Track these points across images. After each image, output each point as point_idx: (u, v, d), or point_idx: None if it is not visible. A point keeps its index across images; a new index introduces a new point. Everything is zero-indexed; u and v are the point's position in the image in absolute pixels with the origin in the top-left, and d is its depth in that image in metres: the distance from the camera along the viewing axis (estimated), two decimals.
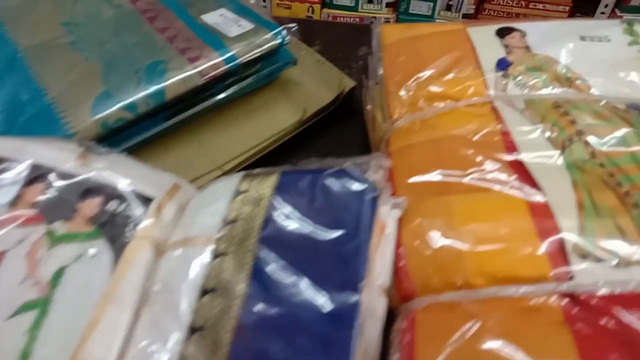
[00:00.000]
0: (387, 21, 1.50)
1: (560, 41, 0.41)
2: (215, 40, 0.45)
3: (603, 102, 0.36)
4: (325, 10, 1.52)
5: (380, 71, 0.42)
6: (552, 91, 0.38)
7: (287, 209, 0.30)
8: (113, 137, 0.40)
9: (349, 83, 0.52)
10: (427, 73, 0.40)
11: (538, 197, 0.30)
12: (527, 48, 0.41)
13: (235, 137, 0.46)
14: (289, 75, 0.52)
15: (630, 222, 0.29)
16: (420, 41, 0.43)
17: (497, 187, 0.31)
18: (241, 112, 0.47)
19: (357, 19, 1.50)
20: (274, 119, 0.48)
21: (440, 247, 0.29)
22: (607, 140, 0.33)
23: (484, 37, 0.41)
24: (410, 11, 1.51)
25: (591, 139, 0.34)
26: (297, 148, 0.49)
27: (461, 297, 0.28)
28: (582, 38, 0.41)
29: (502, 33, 0.42)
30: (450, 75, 0.39)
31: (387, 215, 0.30)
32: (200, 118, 0.46)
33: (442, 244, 0.29)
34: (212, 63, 0.43)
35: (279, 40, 0.46)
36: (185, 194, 0.34)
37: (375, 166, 0.32)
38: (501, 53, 0.40)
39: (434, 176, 0.33)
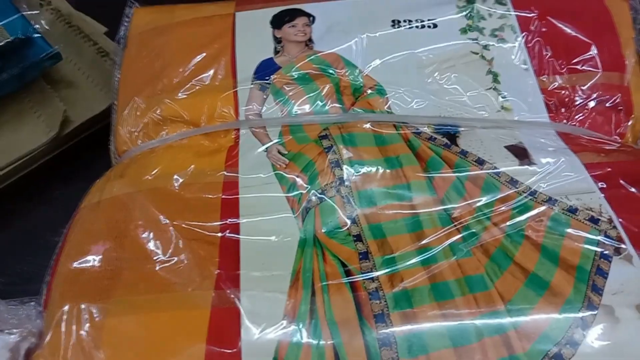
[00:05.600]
0: None
1: (356, 29, 0.28)
2: None
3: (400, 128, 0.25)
4: None
5: (117, 76, 0.30)
6: (324, 110, 0.26)
7: None
8: None
9: None
10: (165, 83, 0.28)
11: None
12: (309, 42, 0.28)
13: None
14: (55, 74, 0.39)
15: None
16: (173, 32, 0.30)
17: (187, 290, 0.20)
18: None
19: None
20: (18, 139, 0.36)
21: None
22: (380, 194, 0.22)
23: (250, 27, 0.29)
24: None
25: (358, 195, 0.22)
26: (64, 173, 0.36)
27: None
28: (395, 23, 0.29)
29: (280, 20, 0.29)
30: (195, 86, 0.27)
31: None
32: None
33: None
34: None
35: (13, 37, 0.34)
36: None
37: None
38: (268, 51, 0.28)
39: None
